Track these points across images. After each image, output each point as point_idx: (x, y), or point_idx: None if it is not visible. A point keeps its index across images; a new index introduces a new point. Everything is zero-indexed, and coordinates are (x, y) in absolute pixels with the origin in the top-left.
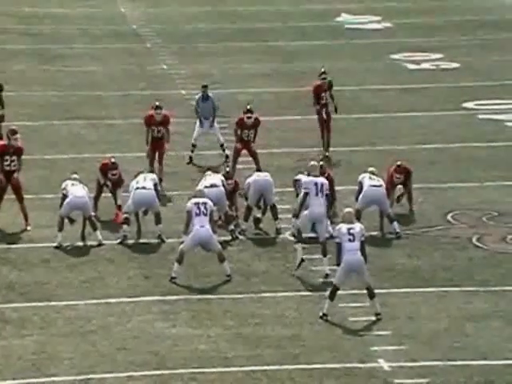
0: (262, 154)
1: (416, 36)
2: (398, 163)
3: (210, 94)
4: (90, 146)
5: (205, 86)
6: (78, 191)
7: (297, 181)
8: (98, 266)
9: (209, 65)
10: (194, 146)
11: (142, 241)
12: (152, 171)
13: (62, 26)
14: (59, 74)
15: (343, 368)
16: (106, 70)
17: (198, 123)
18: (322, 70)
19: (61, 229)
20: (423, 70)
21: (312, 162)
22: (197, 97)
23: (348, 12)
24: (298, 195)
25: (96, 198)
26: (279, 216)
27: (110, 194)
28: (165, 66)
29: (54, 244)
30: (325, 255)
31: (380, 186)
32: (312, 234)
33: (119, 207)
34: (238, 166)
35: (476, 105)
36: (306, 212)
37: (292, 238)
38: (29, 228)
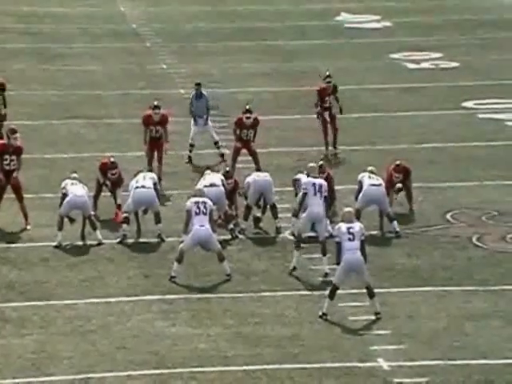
0: (262, 153)
1: (415, 35)
2: (398, 162)
3: (203, 92)
4: (89, 146)
5: (198, 84)
6: (77, 190)
7: (296, 180)
8: (97, 265)
9: (208, 64)
10: (191, 145)
11: (141, 240)
12: (151, 171)
13: (61, 25)
14: (59, 74)
15: (343, 367)
16: (106, 70)
17: (192, 122)
18: (327, 73)
19: (60, 228)
20: (423, 69)
21: (311, 164)
22: (191, 95)
23: (347, 11)
24: (297, 194)
25: (96, 198)
26: (279, 215)
27: (109, 194)
28: (164, 66)
29: (54, 243)
30: (324, 254)
31: (380, 185)
32: (311, 234)
33: (119, 206)
34: (238, 166)
35: (475, 104)
36: (304, 214)
37: (291, 238)
38: (28, 227)
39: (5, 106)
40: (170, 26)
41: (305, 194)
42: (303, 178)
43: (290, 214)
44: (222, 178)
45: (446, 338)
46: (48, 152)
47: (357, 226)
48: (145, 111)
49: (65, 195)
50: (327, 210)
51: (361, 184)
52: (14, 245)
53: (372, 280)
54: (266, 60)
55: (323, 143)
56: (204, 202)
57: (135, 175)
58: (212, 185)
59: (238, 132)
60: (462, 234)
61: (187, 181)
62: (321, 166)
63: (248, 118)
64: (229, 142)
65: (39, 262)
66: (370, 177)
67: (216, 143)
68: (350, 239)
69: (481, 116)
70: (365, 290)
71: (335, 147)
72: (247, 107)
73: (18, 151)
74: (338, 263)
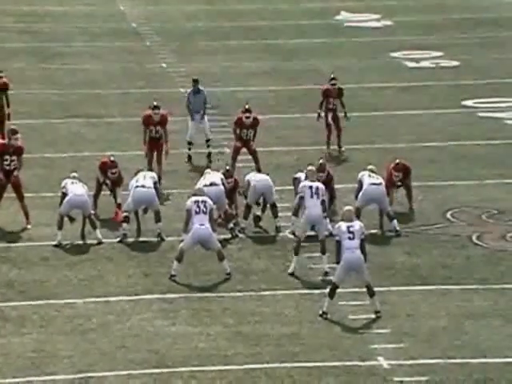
0: (262, 152)
1: (416, 34)
2: (397, 161)
3: (201, 88)
4: (89, 145)
5: (195, 81)
6: (77, 189)
7: (296, 179)
8: (97, 264)
9: (208, 63)
10: (190, 143)
11: (141, 239)
12: (151, 170)
13: (61, 24)
14: (58, 73)
15: (343, 366)
16: (106, 69)
17: (189, 118)
18: (332, 75)
19: (60, 227)
20: (423, 68)
21: (310, 167)
22: (188, 91)
23: (347, 10)
24: (297, 193)
25: (95, 197)
26: (279, 214)
27: (109, 193)
28: (164, 65)
29: (54, 242)
30: (324, 253)
31: (379, 184)
32: (311, 233)
33: (119, 206)
34: (238, 165)
35: (475, 103)
36: (303, 217)
37: (292, 236)
38: (29, 226)
39: (8, 106)
40: (169, 24)
41: (301, 198)
42: (303, 176)
43: (289, 213)
44: (222, 177)
45: (445, 336)
46: (48, 151)
47: (357, 225)
48: (144, 111)
49: (65, 194)
50: (328, 207)
51: (361, 183)
52: (13, 244)
53: (372, 279)
54: (266, 59)
55: (323, 141)
56: (204, 201)
57: (135, 174)
58: (212, 184)
59: (237, 131)
60: (461, 233)
61: (187, 180)
62: (321, 165)
63: (248, 117)
64: (229, 141)
65: (39, 261)
66: (369, 176)
67: (208, 141)
68: (349, 238)
69: (481, 115)
70: (365, 289)
71: (340, 147)
72: (247, 107)
73: (18, 151)
74: (337, 262)
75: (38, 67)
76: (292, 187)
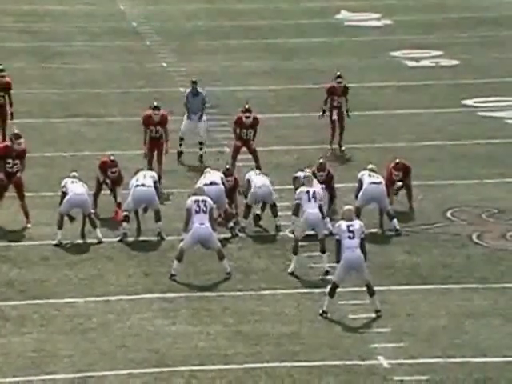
0: (262, 151)
1: (415, 33)
2: (397, 160)
3: (199, 90)
4: (89, 144)
5: (194, 82)
6: (77, 189)
7: (296, 178)
8: (97, 263)
9: (208, 62)
10: (181, 139)
11: (141, 238)
12: (151, 170)
13: (61, 23)
14: (58, 72)
15: (343, 365)
16: (106, 68)
17: (185, 117)
18: (338, 73)
19: (60, 227)
20: (423, 67)
21: (307, 174)
22: (186, 92)
23: (347, 9)
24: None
25: (95, 196)
26: (279, 213)
27: (109, 192)
28: (164, 64)
29: (54, 242)
30: (324, 252)
31: (380, 183)
32: (311, 232)
33: (119, 205)
34: (238, 164)
35: (475, 102)
36: (302, 219)
37: (291, 236)
38: (29, 226)
39: (10, 105)
40: (169, 24)
41: (298, 205)
42: (303, 175)
43: (289, 212)
44: (222, 176)
45: (445, 335)
46: (48, 150)
47: (357, 224)
48: (145, 110)
49: (65, 194)
50: (324, 217)
51: (361, 182)
52: (14, 243)
53: (372, 278)
54: (266, 58)
55: (323, 141)
56: (204, 201)
57: (135, 173)
58: (212, 183)
59: (237, 131)
60: (461, 232)
61: (187, 179)
62: (321, 164)
63: (247, 117)
64: (229, 140)
65: (39, 260)
66: (370, 175)
67: (201, 143)
68: (349, 237)
69: (481, 114)
70: (365, 288)
71: (340, 146)
72: (246, 106)
73: (21, 156)
74: (337, 261)
75: (38, 67)
76: (292, 186)
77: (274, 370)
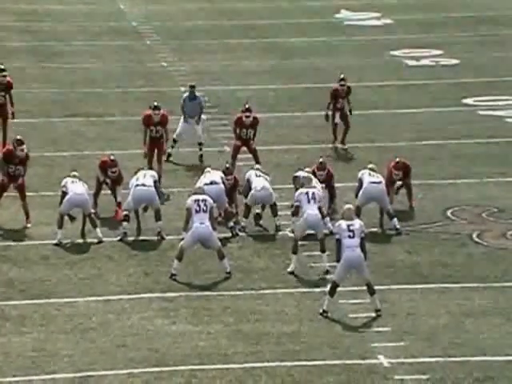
0: (262, 150)
1: (416, 32)
2: (397, 160)
3: (197, 94)
4: (89, 144)
5: (192, 86)
6: (77, 188)
7: (296, 177)
8: (97, 263)
9: (208, 62)
10: (174, 141)
11: (141, 238)
12: (151, 169)
13: (61, 23)
14: (58, 71)
15: (343, 364)
16: (106, 68)
17: (182, 119)
18: (342, 76)
19: (61, 226)
20: (423, 66)
21: (306, 174)
22: (184, 96)
23: (347, 8)
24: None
25: (95, 196)
26: (279, 213)
27: (109, 192)
28: (164, 63)
29: (54, 241)
30: (324, 251)
31: (380, 182)
32: (311, 231)
33: (119, 204)
34: (238, 163)
35: (476, 101)
36: (301, 219)
37: (292, 235)
38: (29, 225)
39: (11, 105)
40: (169, 23)
41: (297, 207)
42: (303, 174)
43: (289, 212)
44: (223, 175)
45: (446, 334)
46: (48, 150)
47: (357, 223)
48: (144, 110)
49: (65, 193)
50: (324, 218)
51: (361, 181)
52: (14, 243)
53: (372, 277)
54: (266, 57)
55: (323, 140)
56: (204, 200)
57: (135, 173)
58: (212, 182)
59: (237, 131)
60: (462, 231)
61: (187, 179)
62: (321, 164)
63: (247, 116)
64: (229, 139)
65: (39, 259)
66: (370, 174)
67: (200, 144)
68: (350, 236)
69: (481, 113)
70: (365, 287)
71: (343, 143)
72: (247, 106)
73: (23, 162)
74: (337, 260)
75: (38, 66)
76: (292, 186)
77: (274, 369)
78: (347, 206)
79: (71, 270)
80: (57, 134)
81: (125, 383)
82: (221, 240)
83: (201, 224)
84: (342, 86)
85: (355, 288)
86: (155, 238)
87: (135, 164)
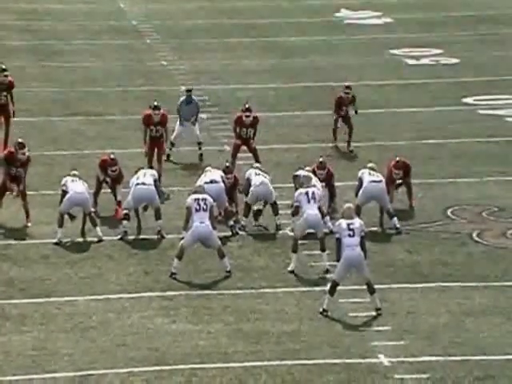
0: (262, 149)
1: (416, 31)
2: (397, 159)
3: (193, 98)
4: (89, 142)
5: (189, 91)
6: (77, 187)
7: (296, 176)
8: (97, 262)
9: (208, 61)
10: (172, 144)
11: (141, 237)
12: (151, 168)
13: (61, 22)
14: (58, 70)
15: (343, 363)
16: (106, 66)
17: (178, 123)
18: (346, 84)
19: (61, 225)
20: (423, 65)
21: (305, 173)
22: (180, 99)
23: (348, 7)
24: (297, 190)
25: (96, 194)
26: (279, 212)
27: (109, 190)
28: (164, 62)
29: (54, 240)
30: (324, 251)
31: (380, 181)
32: (311, 230)
33: (119, 203)
34: (238, 162)
35: (476, 100)
36: (301, 219)
37: (292, 234)
38: (29, 224)
39: (13, 104)
40: (169, 22)
41: (297, 207)
42: (303, 173)
43: (289, 211)
44: (223, 174)
45: (446, 333)
46: (48, 149)
47: (357, 223)
48: (144, 109)
49: (65, 192)
50: (323, 218)
51: (361, 180)
52: (14, 242)
53: (372, 276)
54: (266, 56)
55: (323, 139)
56: (204, 199)
57: (136, 172)
58: (212, 181)
59: (237, 130)
60: (462, 230)
61: (187, 178)
62: (321, 163)
63: (247, 116)
64: (229, 138)
65: (39, 258)
66: (370, 173)
67: (199, 143)
68: (350, 235)
69: (481, 112)
70: (365, 287)
71: (349, 145)
72: (247, 106)
73: (25, 165)
74: (337, 259)
75: (38, 65)
76: (292, 185)
77: (274, 368)
78: (347, 205)
79: (71, 268)
80: (57, 132)
81: (125, 382)
82: (221, 239)
83: (201, 223)
84: (346, 93)
85: (355, 287)
86: (155, 236)
87: (135, 163)
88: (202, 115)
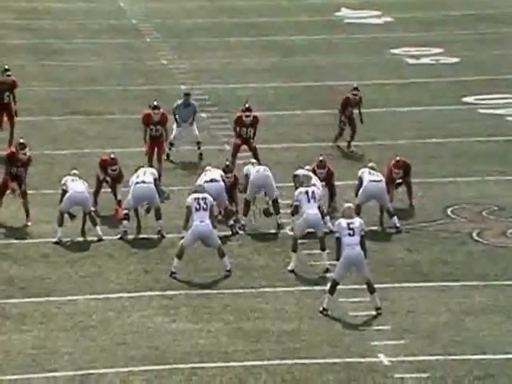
0: (262, 148)
1: (416, 30)
2: (398, 158)
3: (191, 102)
4: (89, 142)
5: (187, 94)
6: (77, 186)
7: (296, 176)
8: (97, 261)
9: (208, 60)
10: (171, 144)
11: (141, 236)
12: (151, 167)
13: (61, 20)
14: (58, 69)
15: (343, 363)
16: (106, 65)
17: (175, 124)
18: (355, 85)
19: (61, 224)
20: (423, 64)
21: (305, 172)
22: (177, 102)
23: (348, 6)
24: (297, 189)
25: (96, 194)
26: (280, 211)
27: (109, 190)
28: (164, 61)
29: (54, 239)
30: (323, 250)
31: (380, 180)
32: (311, 230)
33: (119, 202)
34: (238, 162)
35: (476, 99)
36: (301, 218)
37: (291, 233)
38: (29, 223)
39: (14, 103)
40: (169, 21)
41: (296, 206)
42: (302, 172)
43: (289, 210)
44: (223, 173)
45: (446, 332)
46: (48, 148)
47: (357, 222)
48: (144, 108)
49: (65, 191)
50: (323, 217)
51: (361, 180)
52: (14, 241)
53: (372, 275)
54: (266, 55)
55: (323, 138)
56: (204, 198)
57: (135, 170)
58: (212, 180)
59: (237, 130)
60: (462, 230)
61: (187, 177)
62: (321, 162)
63: (247, 116)
64: (229, 137)
65: (39, 257)
66: (370, 173)
67: (198, 143)
68: (349, 234)
69: (481, 111)
70: (365, 286)
71: (350, 145)
72: (247, 105)
73: (26, 165)
74: (337, 259)
75: (38, 64)
76: (292, 184)
77: (274, 367)
78: (347, 204)
79: (71, 268)
80: (57, 131)
81: (125, 381)
82: (221, 238)
83: (201, 222)
84: (354, 95)
85: (355, 286)
86: (155, 236)
87: (135, 162)
88: (202, 114)
